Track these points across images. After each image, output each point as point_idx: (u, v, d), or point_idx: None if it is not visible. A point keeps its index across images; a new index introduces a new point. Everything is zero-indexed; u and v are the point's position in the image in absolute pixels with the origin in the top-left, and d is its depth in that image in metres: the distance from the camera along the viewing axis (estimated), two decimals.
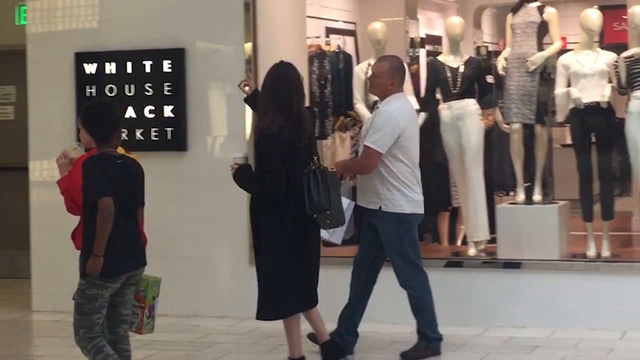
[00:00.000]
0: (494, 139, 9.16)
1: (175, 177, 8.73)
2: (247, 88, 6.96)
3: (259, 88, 6.75)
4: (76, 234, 6.12)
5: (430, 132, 8.91)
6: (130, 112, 8.71)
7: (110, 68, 8.80)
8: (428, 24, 11.21)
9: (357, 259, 7.11)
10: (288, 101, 6.39)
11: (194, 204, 8.67)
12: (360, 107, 9.05)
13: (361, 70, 8.98)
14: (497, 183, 9.31)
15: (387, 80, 6.90)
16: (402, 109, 6.88)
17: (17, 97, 10.20)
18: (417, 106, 8.79)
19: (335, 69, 10.02)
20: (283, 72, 6.54)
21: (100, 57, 8.82)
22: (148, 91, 8.71)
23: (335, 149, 10.29)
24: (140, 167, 5.92)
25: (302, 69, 9.41)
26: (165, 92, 8.67)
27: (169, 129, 8.67)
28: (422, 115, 8.77)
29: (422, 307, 7.04)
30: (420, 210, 6.99)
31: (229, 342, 7.74)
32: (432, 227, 9.47)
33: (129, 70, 8.73)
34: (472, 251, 8.56)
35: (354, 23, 10.96)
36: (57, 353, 7.59)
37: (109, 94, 8.74)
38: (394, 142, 6.76)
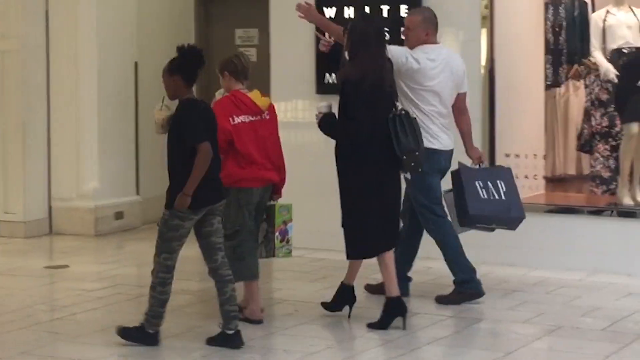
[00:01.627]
0: None
1: None
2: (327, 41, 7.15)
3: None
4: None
5: None
6: None
7: (349, 12, 9.01)
8: None
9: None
10: (376, 50, 6.62)
11: None
12: (598, 55, 8.90)
13: (599, 18, 8.87)
14: None
15: (421, 32, 7.11)
16: (436, 57, 7.06)
17: (260, 40, 10.57)
18: None
19: (570, 16, 9.90)
20: (372, 24, 6.85)
21: (339, 2, 9.02)
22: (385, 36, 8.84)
23: (568, 97, 10.20)
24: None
25: (538, 15, 9.41)
26: (402, 37, 8.81)
27: None
28: None
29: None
30: (444, 148, 7.10)
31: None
32: None
33: None
34: None
35: None
36: (295, 286, 7.97)
37: None
38: (400, 68, 6.94)
